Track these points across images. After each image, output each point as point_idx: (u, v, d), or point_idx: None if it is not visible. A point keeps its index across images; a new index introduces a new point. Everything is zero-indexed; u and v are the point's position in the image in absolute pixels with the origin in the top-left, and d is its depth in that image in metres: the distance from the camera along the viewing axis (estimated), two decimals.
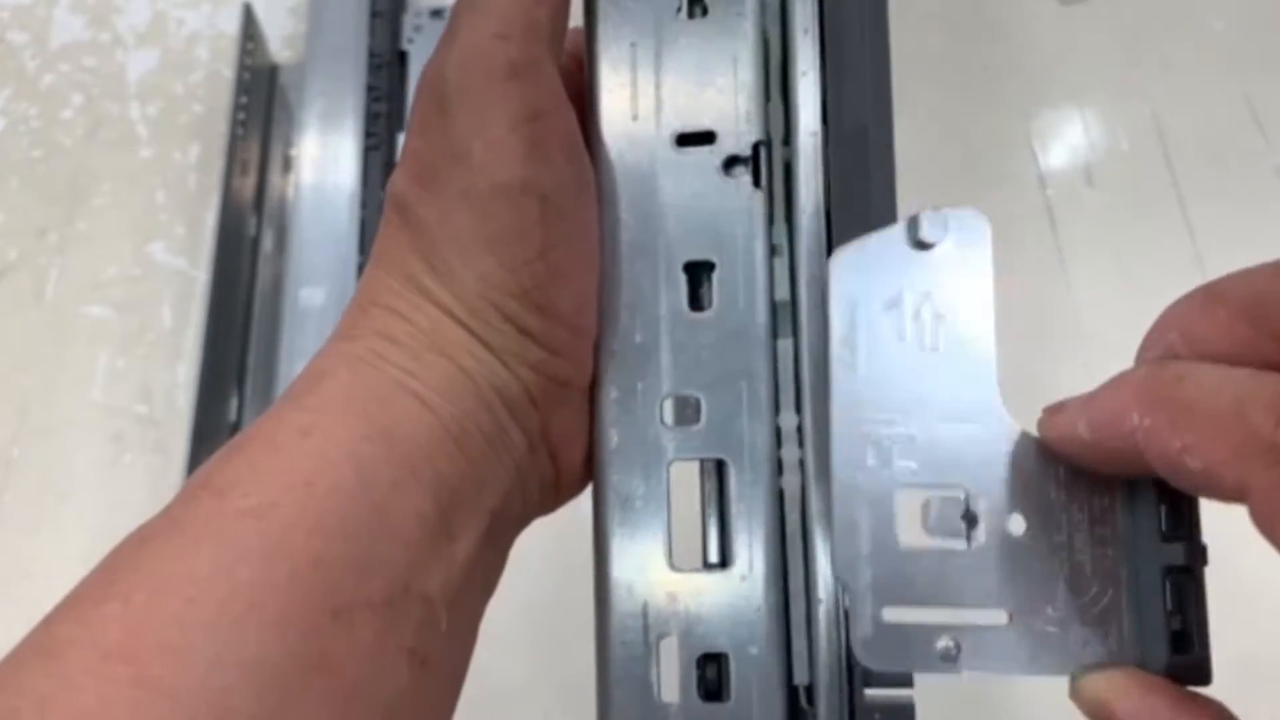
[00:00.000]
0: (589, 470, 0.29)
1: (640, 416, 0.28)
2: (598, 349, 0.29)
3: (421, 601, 0.25)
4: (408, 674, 0.24)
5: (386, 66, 0.73)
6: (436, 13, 0.76)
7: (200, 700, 0.21)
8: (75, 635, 0.22)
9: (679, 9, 0.29)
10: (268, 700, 0.21)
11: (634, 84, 0.29)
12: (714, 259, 0.29)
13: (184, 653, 0.21)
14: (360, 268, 0.67)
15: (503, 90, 0.26)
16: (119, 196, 0.74)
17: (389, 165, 0.71)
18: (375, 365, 0.26)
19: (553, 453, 0.29)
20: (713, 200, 0.29)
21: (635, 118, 0.29)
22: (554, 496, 0.30)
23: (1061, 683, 0.26)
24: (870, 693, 0.27)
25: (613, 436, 0.29)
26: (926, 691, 0.27)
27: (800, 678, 0.27)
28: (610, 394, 0.29)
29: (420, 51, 0.75)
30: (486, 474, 0.27)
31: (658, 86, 0.29)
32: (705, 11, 0.29)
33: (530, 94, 0.26)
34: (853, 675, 0.27)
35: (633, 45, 0.29)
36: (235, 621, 0.22)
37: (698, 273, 0.29)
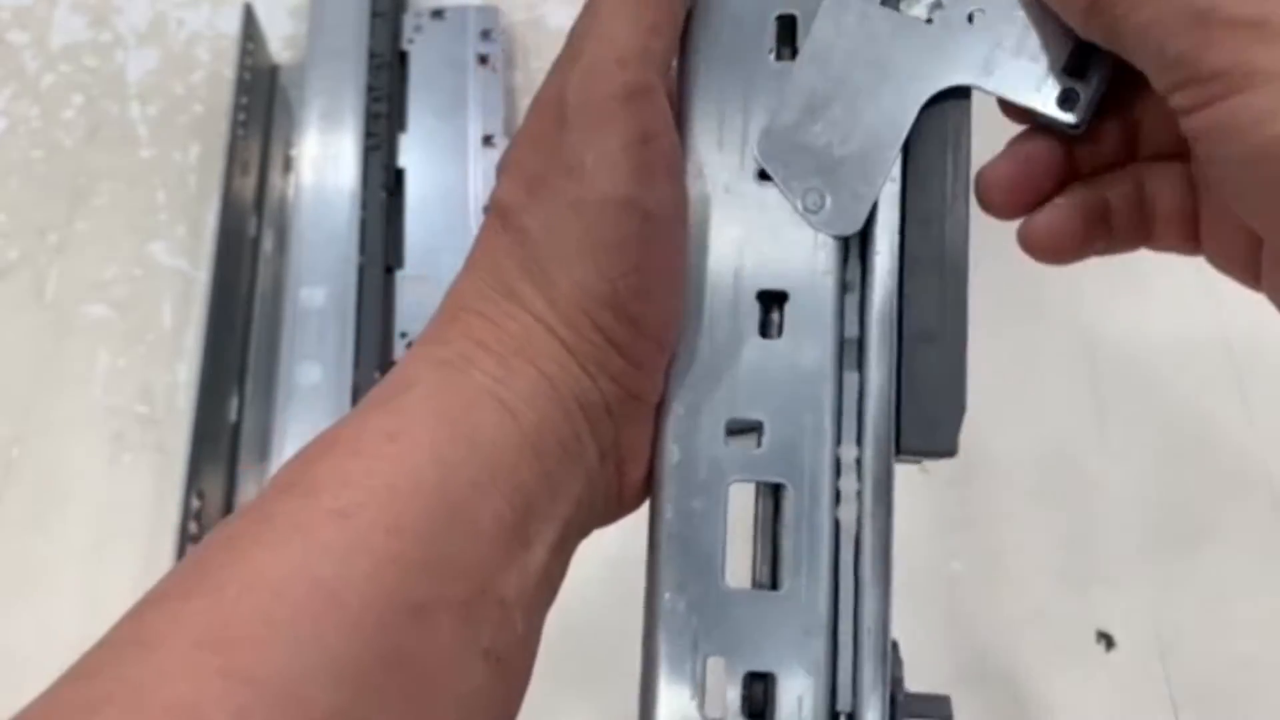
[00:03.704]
0: (648, 488, 0.30)
1: (703, 435, 0.29)
2: (667, 367, 0.30)
3: (498, 604, 0.25)
4: (483, 674, 0.25)
5: (386, 66, 0.74)
6: (437, 13, 0.76)
7: (282, 691, 0.22)
8: (167, 627, 0.23)
9: (770, 51, 0.31)
10: (346, 694, 0.22)
11: (721, 118, 0.30)
12: (786, 290, 0.30)
13: (269, 645, 0.22)
14: (360, 268, 0.67)
15: (619, 111, 0.27)
16: (119, 196, 0.74)
17: (389, 165, 0.71)
18: (463, 370, 0.27)
19: (620, 466, 0.30)
20: (789, 233, 0.30)
21: (721, 149, 0.30)
22: (615, 510, 0.31)
23: None
24: None
25: (675, 453, 0.29)
26: None
27: (843, 705, 0.28)
28: (676, 411, 0.29)
29: (420, 51, 0.75)
30: (561, 483, 0.28)
31: (744, 122, 0.30)
32: (794, 55, 0.30)
33: (643, 117, 0.28)
34: (895, 707, 0.28)
35: (724, 82, 0.31)
36: (317, 616, 0.23)
37: (770, 302, 0.30)
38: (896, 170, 0.30)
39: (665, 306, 0.29)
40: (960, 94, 0.30)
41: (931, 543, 0.61)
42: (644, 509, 0.31)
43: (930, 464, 0.66)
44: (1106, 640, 0.60)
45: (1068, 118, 0.29)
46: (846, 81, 0.30)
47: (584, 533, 0.30)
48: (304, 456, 0.26)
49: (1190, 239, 0.31)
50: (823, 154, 0.30)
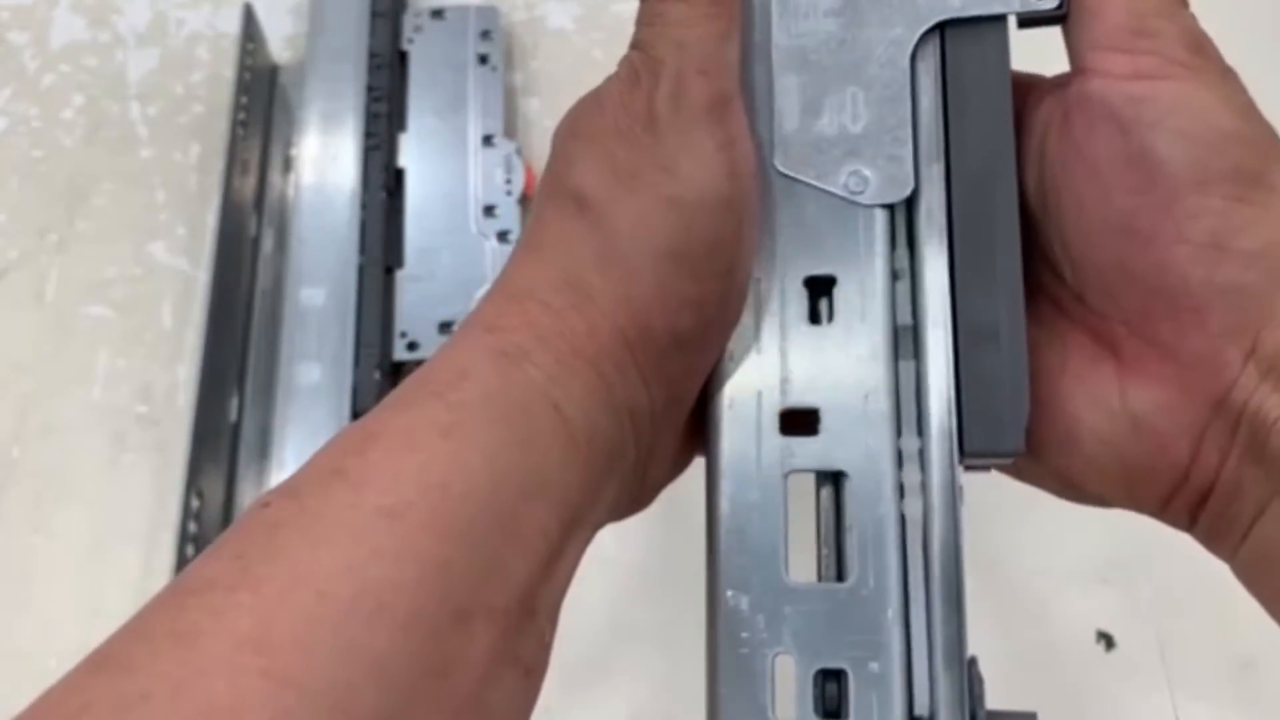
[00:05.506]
0: (661, 486, 0.30)
1: (758, 426, 0.28)
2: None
3: (531, 613, 0.25)
4: (514, 684, 0.25)
5: (387, 66, 0.73)
6: (437, 13, 0.76)
7: (327, 696, 0.21)
8: (208, 623, 0.22)
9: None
10: (391, 701, 0.22)
11: (764, 108, 0.30)
12: (835, 275, 0.29)
13: (314, 648, 0.22)
14: (360, 268, 0.67)
15: (707, 118, 0.28)
16: (119, 196, 0.74)
17: (389, 165, 0.71)
18: (520, 366, 0.26)
19: (646, 468, 0.29)
20: (832, 217, 0.29)
21: (759, 137, 0.30)
22: (630, 510, 0.30)
23: None
24: None
25: (729, 445, 0.28)
26: None
27: (921, 708, 0.27)
28: (728, 402, 0.29)
29: (420, 51, 0.75)
30: (601, 491, 0.27)
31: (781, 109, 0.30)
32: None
33: (728, 123, 0.28)
34: (976, 711, 0.27)
35: (759, 71, 0.30)
36: (365, 620, 0.22)
37: (818, 288, 0.29)
38: (935, 139, 0.29)
39: (737, 309, 0.29)
40: (970, 30, 0.29)
41: None
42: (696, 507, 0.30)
43: None
44: (1106, 640, 0.60)
45: (1046, 4, 0.29)
46: (826, 68, 0.30)
47: (598, 530, 0.29)
48: (352, 440, 0.25)
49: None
50: (841, 139, 0.29)
